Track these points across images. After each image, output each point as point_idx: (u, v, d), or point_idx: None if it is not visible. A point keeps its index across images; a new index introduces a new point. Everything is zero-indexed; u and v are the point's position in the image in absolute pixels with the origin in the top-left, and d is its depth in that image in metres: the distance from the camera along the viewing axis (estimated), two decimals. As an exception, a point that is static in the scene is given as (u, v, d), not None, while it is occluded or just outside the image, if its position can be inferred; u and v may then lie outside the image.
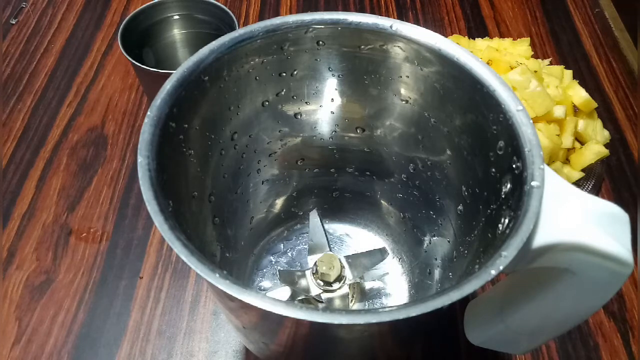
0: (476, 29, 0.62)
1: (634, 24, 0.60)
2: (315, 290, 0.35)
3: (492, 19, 0.64)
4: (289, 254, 0.40)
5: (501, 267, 0.21)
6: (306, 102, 0.34)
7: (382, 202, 0.39)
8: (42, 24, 0.62)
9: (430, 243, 0.36)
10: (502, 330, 0.29)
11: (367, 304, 0.38)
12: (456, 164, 0.31)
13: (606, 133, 0.48)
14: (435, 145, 0.32)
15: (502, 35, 0.61)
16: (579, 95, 0.46)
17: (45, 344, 0.39)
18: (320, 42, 0.31)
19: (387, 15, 0.64)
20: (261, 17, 0.64)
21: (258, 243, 0.40)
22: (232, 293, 0.20)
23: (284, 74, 0.32)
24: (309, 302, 0.36)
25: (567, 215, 0.23)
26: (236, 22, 0.46)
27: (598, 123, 0.48)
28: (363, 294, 0.39)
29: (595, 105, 0.46)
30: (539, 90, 0.43)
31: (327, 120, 0.35)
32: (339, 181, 0.39)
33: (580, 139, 0.47)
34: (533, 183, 0.23)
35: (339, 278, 0.35)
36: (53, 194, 0.47)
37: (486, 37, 0.53)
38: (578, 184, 0.46)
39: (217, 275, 0.21)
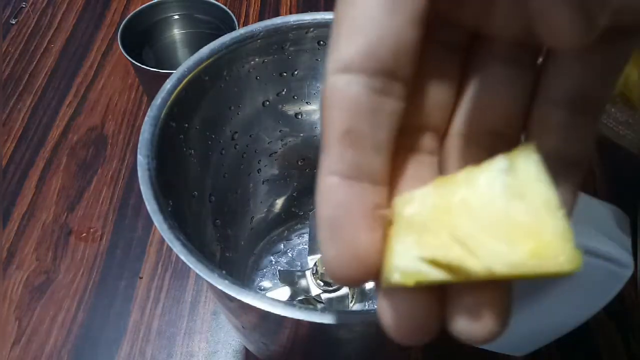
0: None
1: None
2: (315, 291, 0.35)
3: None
4: (289, 254, 0.40)
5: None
6: (307, 102, 0.34)
7: (382, 202, 0.39)
8: (42, 24, 0.62)
9: (430, 243, 0.36)
10: (502, 331, 0.29)
11: (367, 304, 0.38)
12: (456, 164, 0.31)
13: None
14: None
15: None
16: None
17: (45, 344, 0.39)
18: (321, 42, 0.31)
19: (388, 15, 0.64)
20: (261, 17, 0.64)
21: (258, 243, 0.40)
22: (231, 293, 0.20)
23: (285, 74, 0.32)
24: (309, 302, 0.36)
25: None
26: (236, 22, 0.46)
27: None
28: (363, 295, 0.39)
29: None
30: None
31: (327, 120, 0.35)
32: (339, 181, 0.39)
33: None
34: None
35: (339, 278, 0.35)
36: (53, 194, 0.47)
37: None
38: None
39: (216, 274, 0.21)
